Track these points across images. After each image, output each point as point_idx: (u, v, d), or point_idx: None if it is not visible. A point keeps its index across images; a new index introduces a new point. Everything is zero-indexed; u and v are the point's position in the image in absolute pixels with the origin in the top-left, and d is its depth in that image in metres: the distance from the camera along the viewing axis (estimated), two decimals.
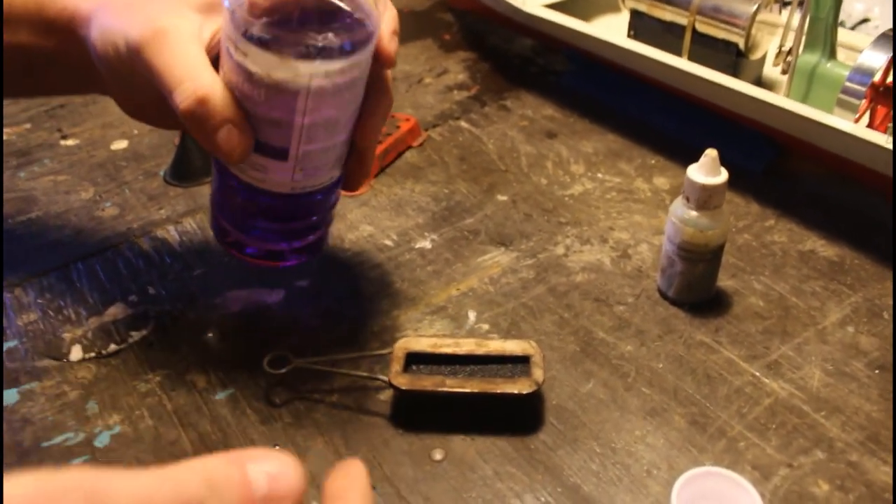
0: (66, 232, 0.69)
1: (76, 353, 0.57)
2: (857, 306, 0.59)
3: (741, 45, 0.74)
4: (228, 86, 0.45)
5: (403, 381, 0.49)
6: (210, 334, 0.58)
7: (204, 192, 0.74)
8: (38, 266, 0.65)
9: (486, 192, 0.72)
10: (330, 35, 0.43)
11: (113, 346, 0.57)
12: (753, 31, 0.74)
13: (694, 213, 0.55)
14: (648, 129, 0.80)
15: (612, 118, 0.82)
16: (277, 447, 0.50)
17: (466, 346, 0.52)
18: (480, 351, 0.52)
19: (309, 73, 0.43)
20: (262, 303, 0.61)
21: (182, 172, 0.76)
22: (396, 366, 0.51)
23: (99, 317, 0.60)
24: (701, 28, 0.77)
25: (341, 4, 0.44)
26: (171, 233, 0.69)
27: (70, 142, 0.82)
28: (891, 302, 0.59)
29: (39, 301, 0.61)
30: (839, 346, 0.56)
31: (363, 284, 0.62)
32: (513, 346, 0.52)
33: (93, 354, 0.57)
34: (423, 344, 0.52)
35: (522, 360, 0.51)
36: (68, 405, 0.53)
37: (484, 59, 0.95)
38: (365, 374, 0.52)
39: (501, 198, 0.71)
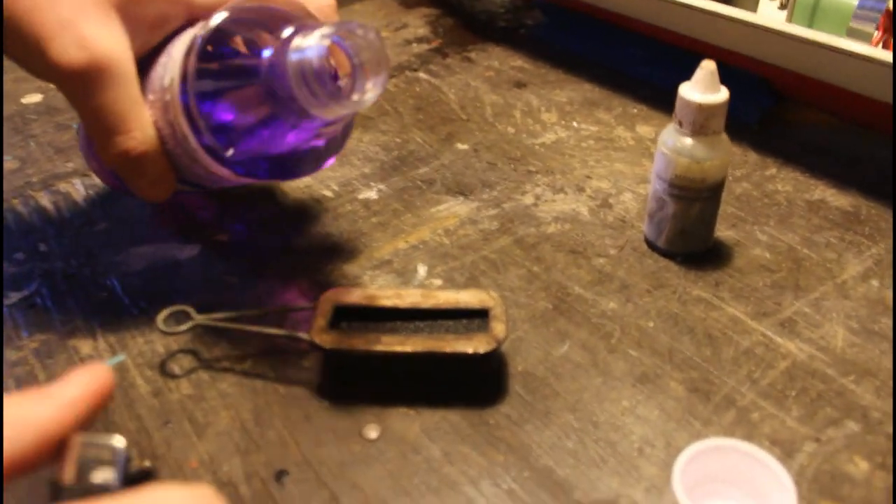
0: None
1: None
2: (880, 258, 0.48)
3: None
4: (160, 132, 0.41)
5: (328, 339, 0.38)
6: (105, 294, 0.46)
7: None
8: None
9: (444, 141, 0.61)
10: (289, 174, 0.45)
11: None
12: None
13: (688, 141, 0.44)
14: (629, 80, 0.69)
15: (588, 69, 0.71)
16: (170, 424, 0.38)
17: (410, 298, 0.40)
18: (427, 303, 0.40)
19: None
20: (171, 259, 0.49)
21: None
22: (321, 321, 0.39)
23: None
24: None
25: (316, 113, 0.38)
26: (75, 186, 0.57)
27: None
28: None
29: None
30: (864, 301, 0.45)
31: (294, 238, 0.51)
32: (468, 298, 0.40)
33: None
34: (355, 295, 0.40)
35: (480, 315, 0.40)
36: None
37: (448, 15, 0.84)
38: (281, 332, 0.40)
39: (461, 146, 0.60)
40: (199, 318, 0.40)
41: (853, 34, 0.56)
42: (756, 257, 0.48)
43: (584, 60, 0.73)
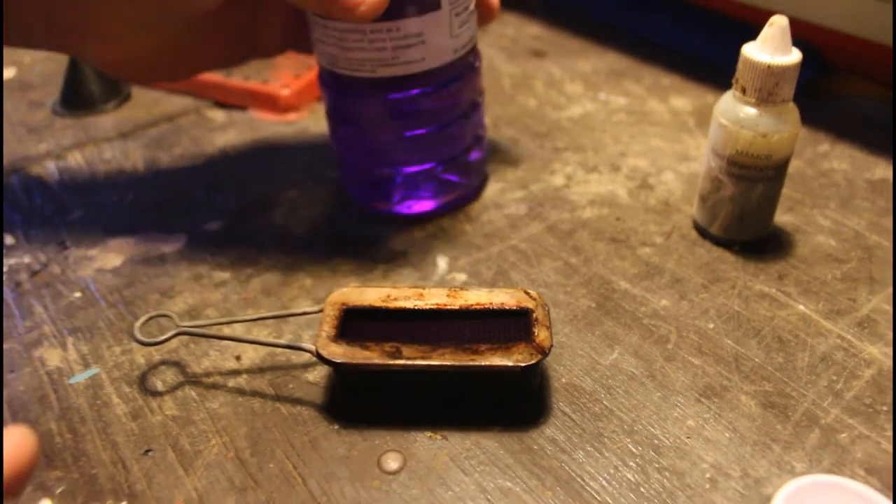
0: None
1: None
2: None
3: None
4: None
5: (337, 351, 0.31)
6: (77, 294, 0.39)
7: (99, 122, 0.55)
8: None
9: None
10: None
11: None
12: None
13: (753, 111, 0.37)
14: (656, 48, 0.62)
15: (610, 36, 0.64)
16: (151, 453, 0.31)
17: (433, 299, 0.33)
18: (455, 305, 0.33)
19: None
20: (153, 253, 0.42)
21: (74, 100, 0.56)
22: (327, 328, 0.32)
23: None
24: None
25: None
26: (48, 170, 0.50)
27: None
28: None
29: None
30: None
31: (294, 226, 0.44)
32: (503, 297, 0.33)
33: None
34: (369, 296, 0.34)
35: (518, 317, 0.33)
36: None
37: None
38: (282, 342, 0.33)
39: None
40: (184, 325, 0.34)
41: None
42: (821, 245, 0.42)
43: (606, 27, 0.66)
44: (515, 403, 0.33)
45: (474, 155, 0.44)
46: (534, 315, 0.32)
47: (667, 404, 0.33)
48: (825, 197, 0.46)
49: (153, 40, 0.38)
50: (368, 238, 0.42)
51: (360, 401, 0.33)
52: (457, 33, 0.39)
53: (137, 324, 0.34)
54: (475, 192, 0.45)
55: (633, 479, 0.30)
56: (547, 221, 0.43)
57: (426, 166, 0.42)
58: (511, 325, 0.32)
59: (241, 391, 0.34)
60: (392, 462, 0.30)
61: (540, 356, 0.30)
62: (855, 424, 0.32)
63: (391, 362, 0.30)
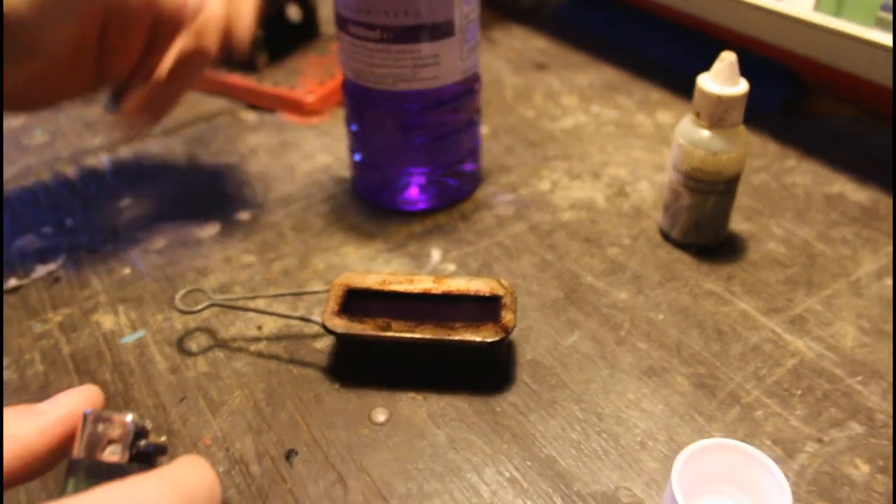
0: None
1: None
2: None
3: None
4: None
5: (339, 324, 0.38)
6: (127, 270, 0.47)
7: None
8: None
9: None
10: None
11: (13, 282, 0.46)
12: None
13: (706, 133, 0.43)
14: (650, 63, 0.68)
15: (609, 52, 0.70)
16: (186, 400, 0.39)
17: (422, 284, 0.40)
18: (439, 289, 0.40)
19: None
20: (191, 237, 0.49)
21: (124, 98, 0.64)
22: (332, 304, 0.39)
23: (3, 250, 0.49)
24: None
25: None
26: (102, 161, 0.57)
27: None
28: None
29: None
30: (876, 300, 0.44)
31: (312, 218, 0.51)
32: (479, 285, 0.40)
33: None
34: (368, 280, 0.41)
35: (490, 302, 0.40)
36: None
37: None
38: (295, 315, 0.40)
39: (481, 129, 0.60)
40: (216, 298, 0.41)
41: (881, 24, 0.54)
42: (770, 251, 0.48)
43: (607, 43, 0.72)
44: (485, 374, 0.39)
45: (469, 163, 0.51)
46: (503, 301, 0.39)
47: (613, 380, 0.39)
48: (783, 208, 0.51)
49: (17, 76, 0.42)
50: (374, 230, 0.49)
51: (357, 366, 0.40)
52: (465, 57, 0.46)
53: (178, 296, 0.41)
54: (469, 194, 0.52)
55: (575, 438, 0.36)
56: (530, 222, 0.50)
57: (427, 170, 0.49)
58: (483, 308, 0.39)
59: (260, 354, 0.41)
60: (380, 416, 0.37)
61: (504, 334, 0.37)
62: (771, 404, 0.38)
63: (382, 334, 0.37)
